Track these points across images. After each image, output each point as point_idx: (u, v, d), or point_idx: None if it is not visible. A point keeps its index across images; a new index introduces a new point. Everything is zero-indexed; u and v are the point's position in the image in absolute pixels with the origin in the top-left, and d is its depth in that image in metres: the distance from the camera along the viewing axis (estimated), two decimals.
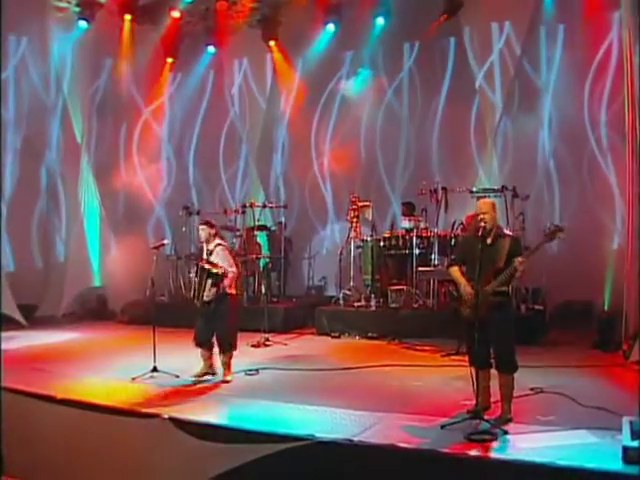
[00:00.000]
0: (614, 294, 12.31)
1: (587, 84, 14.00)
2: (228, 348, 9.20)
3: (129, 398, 8.31)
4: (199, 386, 9.00)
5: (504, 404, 7.10)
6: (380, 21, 15.34)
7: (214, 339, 9.25)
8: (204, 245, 9.44)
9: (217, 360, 9.38)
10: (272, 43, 16.76)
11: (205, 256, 9.28)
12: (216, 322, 9.09)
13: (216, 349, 9.30)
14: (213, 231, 9.41)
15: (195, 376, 9.23)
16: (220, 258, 9.13)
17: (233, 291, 9.28)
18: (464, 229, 12.70)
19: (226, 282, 9.05)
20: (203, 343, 9.24)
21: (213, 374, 9.34)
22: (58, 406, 8.13)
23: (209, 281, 8.97)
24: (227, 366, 9.24)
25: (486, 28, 14.91)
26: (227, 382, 9.10)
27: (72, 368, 10.17)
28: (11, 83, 15.24)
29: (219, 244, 9.30)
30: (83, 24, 15.47)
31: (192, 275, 9.43)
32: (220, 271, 8.98)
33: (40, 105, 15.86)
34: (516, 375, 7.11)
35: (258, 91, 17.54)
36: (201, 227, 9.44)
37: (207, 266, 9.01)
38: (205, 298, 9.03)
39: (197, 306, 9.24)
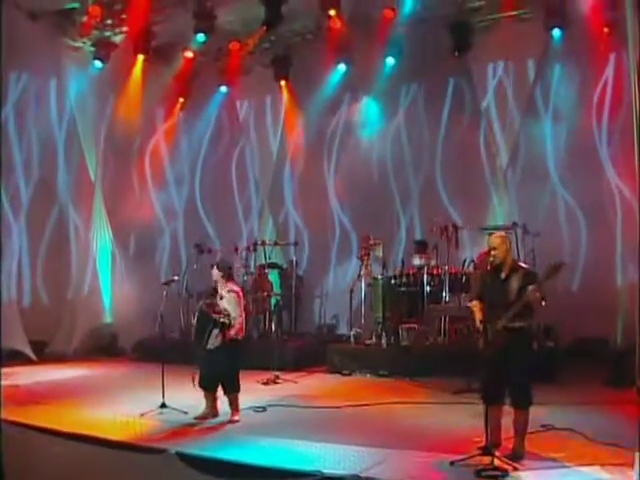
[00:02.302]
0: (627, 330, 12.19)
1: (594, 119, 14.13)
2: (233, 389, 9.12)
3: (137, 433, 8.29)
4: (207, 422, 8.95)
5: (517, 440, 7.00)
6: (390, 60, 15.52)
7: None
8: (217, 288, 9.23)
9: (219, 402, 9.28)
10: (283, 83, 16.95)
11: (216, 300, 9.12)
12: (221, 366, 8.95)
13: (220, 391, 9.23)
14: (224, 274, 9.24)
15: (197, 418, 9.08)
16: (231, 305, 8.96)
17: (239, 336, 9.10)
18: (476, 267, 12.66)
19: (232, 331, 8.90)
20: (208, 387, 9.12)
21: (215, 416, 9.17)
22: (65, 440, 8.11)
23: (215, 331, 8.83)
24: (235, 406, 9.13)
25: (495, 66, 15.11)
26: (235, 422, 9.00)
27: (81, 403, 10.15)
28: (26, 122, 15.37)
29: (231, 290, 9.11)
30: (98, 64, 15.74)
31: (194, 320, 9.29)
32: (226, 320, 8.83)
33: (55, 143, 16.00)
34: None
35: (269, 130, 17.70)
36: (213, 270, 9.27)
37: (215, 316, 8.82)
38: (210, 346, 8.87)
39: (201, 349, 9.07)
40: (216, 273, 9.21)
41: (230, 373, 9.03)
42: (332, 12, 13.96)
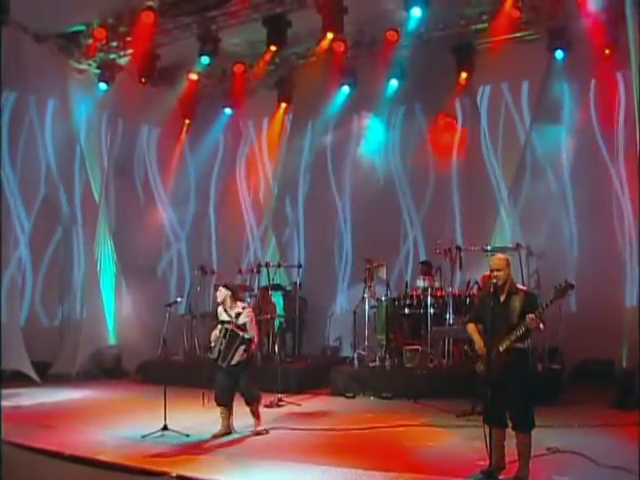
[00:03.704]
0: (633, 352, 12.12)
1: (600, 138, 14.13)
2: (255, 398, 9.47)
3: (138, 456, 8.20)
4: (208, 444, 8.91)
5: (521, 463, 6.93)
6: (394, 82, 15.64)
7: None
8: (226, 308, 9.51)
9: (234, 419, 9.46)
10: (288, 105, 17.04)
11: (228, 318, 9.39)
12: (239, 380, 9.28)
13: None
14: (231, 294, 9.52)
15: (215, 436, 9.25)
16: (249, 319, 9.36)
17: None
18: (480, 288, 12.60)
19: (253, 345, 9.36)
20: (225, 403, 9.36)
21: (231, 433, 9.37)
22: (66, 462, 8.05)
23: (242, 347, 9.14)
24: (257, 415, 9.48)
25: (498, 87, 15.17)
26: (262, 433, 9.32)
27: (83, 425, 10.09)
28: (31, 143, 15.41)
29: (245, 307, 9.55)
30: (103, 86, 15.83)
31: (219, 336, 9.34)
32: (250, 335, 9.22)
33: (60, 165, 16.02)
34: (533, 434, 6.95)
35: (274, 152, 17.73)
36: (221, 289, 9.56)
37: (241, 333, 9.17)
38: (233, 362, 9.16)
39: (218, 367, 9.32)
40: (222, 293, 9.46)
41: (248, 384, 9.32)
42: (330, 35, 13.96)
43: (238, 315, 9.35)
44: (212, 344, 9.45)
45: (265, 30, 13.97)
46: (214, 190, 18.53)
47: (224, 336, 9.21)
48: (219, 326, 9.41)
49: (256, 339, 9.44)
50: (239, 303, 9.57)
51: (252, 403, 9.44)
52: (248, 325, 9.29)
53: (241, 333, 9.17)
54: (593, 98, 14.21)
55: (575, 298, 13.63)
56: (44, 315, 16.00)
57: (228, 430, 9.38)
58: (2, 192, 14.26)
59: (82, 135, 16.11)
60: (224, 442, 9.00)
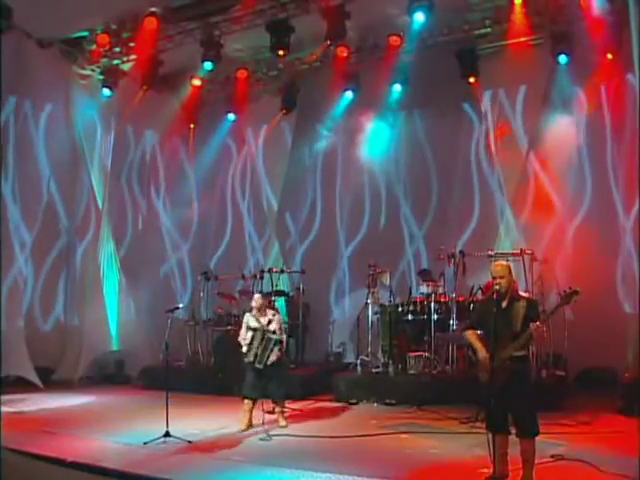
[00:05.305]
0: (637, 358, 12.05)
1: (606, 146, 14.08)
2: (284, 397, 10.56)
3: (140, 462, 8.18)
4: (211, 451, 8.87)
5: (525, 471, 6.87)
6: (397, 87, 15.64)
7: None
8: (255, 314, 10.37)
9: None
10: (291, 110, 17.02)
11: (258, 324, 10.21)
12: (271, 379, 10.20)
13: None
14: (267, 302, 10.72)
15: (241, 431, 10.00)
16: (279, 325, 10.35)
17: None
18: (484, 294, 12.55)
19: (283, 346, 10.46)
20: (254, 397, 10.19)
21: (252, 426, 10.14)
22: (67, 469, 8.03)
23: (276, 348, 10.12)
24: (284, 415, 10.51)
25: (502, 92, 15.15)
26: (284, 427, 10.21)
27: (85, 431, 10.07)
28: (34, 149, 15.41)
29: (274, 314, 10.46)
30: (106, 91, 15.82)
31: (252, 341, 10.15)
32: (282, 337, 10.31)
33: (63, 171, 16.03)
34: (537, 442, 6.90)
35: (277, 158, 17.70)
36: (257, 296, 10.56)
37: (274, 336, 10.11)
38: (269, 362, 10.06)
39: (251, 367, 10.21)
40: (260, 300, 10.46)
41: (278, 384, 10.33)
42: (330, 43, 13.90)
43: (269, 322, 10.23)
44: (245, 348, 10.21)
45: (268, 36, 13.94)
46: (217, 195, 18.51)
47: (260, 340, 10.06)
48: (249, 332, 10.20)
49: (284, 339, 10.53)
50: (269, 310, 10.48)
51: (279, 402, 10.44)
52: (278, 331, 10.21)
53: (274, 336, 10.07)
54: (597, 103, 14.15)
55: (579, 304, 13.56)
56: (46, 320, 15.99)
57: (251, 423, 10.19)
58: (3, 198, 14.28)
59: (85, 140, 16.10)
60: (227, 448, 8.96)
